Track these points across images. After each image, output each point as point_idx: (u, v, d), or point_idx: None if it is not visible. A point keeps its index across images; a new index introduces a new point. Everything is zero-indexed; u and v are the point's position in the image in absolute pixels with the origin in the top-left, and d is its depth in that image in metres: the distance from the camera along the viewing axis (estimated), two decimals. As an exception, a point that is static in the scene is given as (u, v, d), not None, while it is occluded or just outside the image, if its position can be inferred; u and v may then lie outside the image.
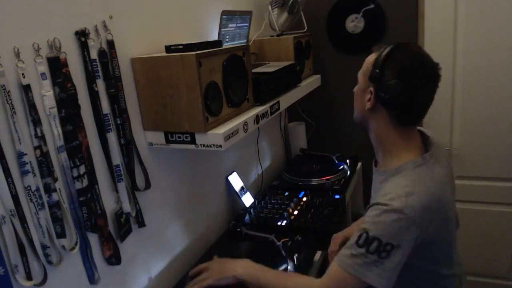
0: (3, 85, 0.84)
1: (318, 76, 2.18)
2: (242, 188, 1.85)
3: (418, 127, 1.15)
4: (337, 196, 1.83)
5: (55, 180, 0.95)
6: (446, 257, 1.12)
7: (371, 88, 1.05)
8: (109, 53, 1.11)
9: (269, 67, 1.65)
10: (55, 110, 0.95)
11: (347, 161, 2.15)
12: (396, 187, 1.01)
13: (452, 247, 1.13)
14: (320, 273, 1.54)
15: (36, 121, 0.91)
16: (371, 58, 1.09)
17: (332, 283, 1.04)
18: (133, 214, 1.21)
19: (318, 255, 1.49)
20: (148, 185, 1.28)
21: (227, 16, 1.55)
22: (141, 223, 1.25)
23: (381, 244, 0.96)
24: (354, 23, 2.25)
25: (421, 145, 1.11)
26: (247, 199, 1.85)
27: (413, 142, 1.10)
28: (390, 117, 1.06)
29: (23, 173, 0.89)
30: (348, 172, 2.06)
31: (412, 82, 1.01)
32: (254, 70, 1.53)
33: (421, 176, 1.03)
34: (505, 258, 2.32)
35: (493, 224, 2.28)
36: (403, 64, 1.02)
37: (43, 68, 0.93)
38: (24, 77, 0.88)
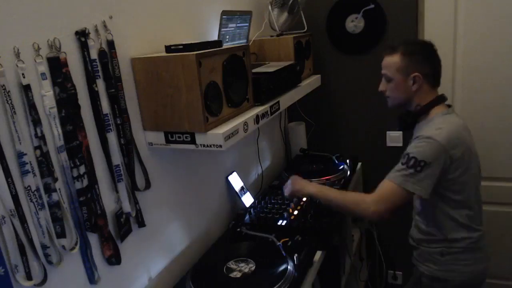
0: (3, 85, 0.84)
1: (318, 76, 2.18)
2: (242, 188, 1.85)
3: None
4: (337, 196, 1.82)
5: (55, 180, 0.95)
6: (473, 193, 1.45)
7: (416, 74, 1.43)
8: (109, 53, 1.11)
9: (269, 67, 1.65)
10: (55, 110, 0.95)
11: (347, 161, 2.15)
12: (430, 128, 1.40)
13: (476, 189, 1.47)
14: (320, 273, 1.54)
15: (36, 121, 0.91)
16: (394, 58, 1.45)
17: (382, 193, 1.38)
18: (133, 214, 1.21)
19: (318, 255, 1.49)
20: (148, 185, 1.28)
21: (227, 16, 1.55)
22: (141, 223, 1.25)
23: (417, 161, 1.33)
24: (354, 23, 2.25)
25: (445, 105, 1.50)
26: (247, 199, 1.85)
27: (440, 102, 1.47)
28: (429, 85, 1.46)
29: (23, 173, 0.89)
30: (348, 172, 2.06)
31: (432, 55, 1.46)
32: (254, 70, 1.53)
33: (447, 120, 1.43)
34: (506, 258, 2.32)
35: (494, 224, 2.28)
36: (421, 47, 1.46)
37: (43, 68, 0.93)
38: (24, 77, 0.88)
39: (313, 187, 1.56)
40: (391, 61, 1.46)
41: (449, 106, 1.50)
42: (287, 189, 1.62)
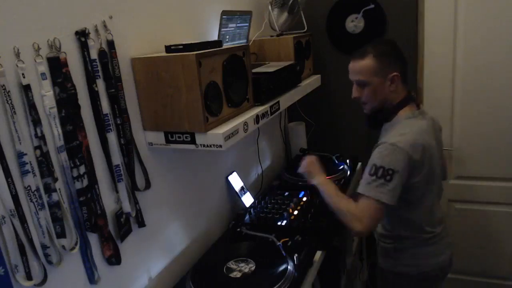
0: (3, 85, 0.84)
1: (318, 76, 2.18)
2: (242, 188, 1.85)
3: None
4: (337, 196, 1.82)
5: (55, 180, 0.95)
6: (432, 195, 1.47)
7: (394, 74, 1.42)
8: (109, 53, 1.11)
9: (269, 67, 1.65)
10: (55, 110, 0.95)
11: (347, 161, 2.15)
12: (393, 133, 1.40)
13: (435, 190, 1.49)
14: (320, 273, 1.54)
15: (36, 121, 0.91)
16: (366, 62, 1.43)
17: (363, 212, 1.35)
18: (133, 214, 1.21)
19: (318, 255, 1.49)
20: (148, 185, 1.28)
21: (227, 16, 1.55)
22: (141, 223, 1.25)
23: (385, 170, 1.32)
24: (354, 23, 2.25)
25: (414, 107, 1.49)
26: (247, 199, 1.85)
27: (408, 102, 1.47)
28: (402, 84, 1.46)
29: (23, 173, 0.89)
30: (348, 172, 2.06)
31: (400, 52, 1.48)
32: (254, 70, 1.53)
33: (409, 124, 1.42)
34: (505, 258, 2.32)
35: (493, 224, 2.28)
36: (390, 47, 1.47)
37: (43, 68, 0.93)
38: (24, 77, 0.88)
39: (319, 178, 1.54)
40: (365, 65, 1.43)
41: (417, 105, 1.50)
42: (301, 167, 1.63)
